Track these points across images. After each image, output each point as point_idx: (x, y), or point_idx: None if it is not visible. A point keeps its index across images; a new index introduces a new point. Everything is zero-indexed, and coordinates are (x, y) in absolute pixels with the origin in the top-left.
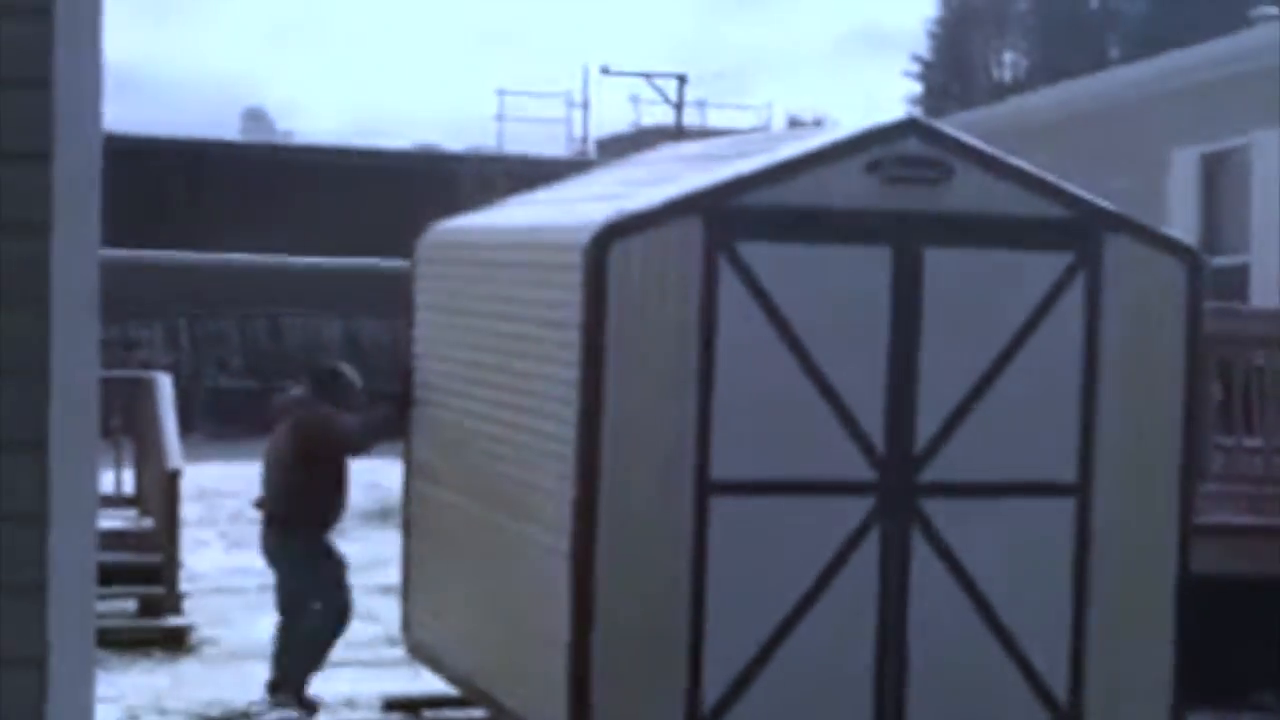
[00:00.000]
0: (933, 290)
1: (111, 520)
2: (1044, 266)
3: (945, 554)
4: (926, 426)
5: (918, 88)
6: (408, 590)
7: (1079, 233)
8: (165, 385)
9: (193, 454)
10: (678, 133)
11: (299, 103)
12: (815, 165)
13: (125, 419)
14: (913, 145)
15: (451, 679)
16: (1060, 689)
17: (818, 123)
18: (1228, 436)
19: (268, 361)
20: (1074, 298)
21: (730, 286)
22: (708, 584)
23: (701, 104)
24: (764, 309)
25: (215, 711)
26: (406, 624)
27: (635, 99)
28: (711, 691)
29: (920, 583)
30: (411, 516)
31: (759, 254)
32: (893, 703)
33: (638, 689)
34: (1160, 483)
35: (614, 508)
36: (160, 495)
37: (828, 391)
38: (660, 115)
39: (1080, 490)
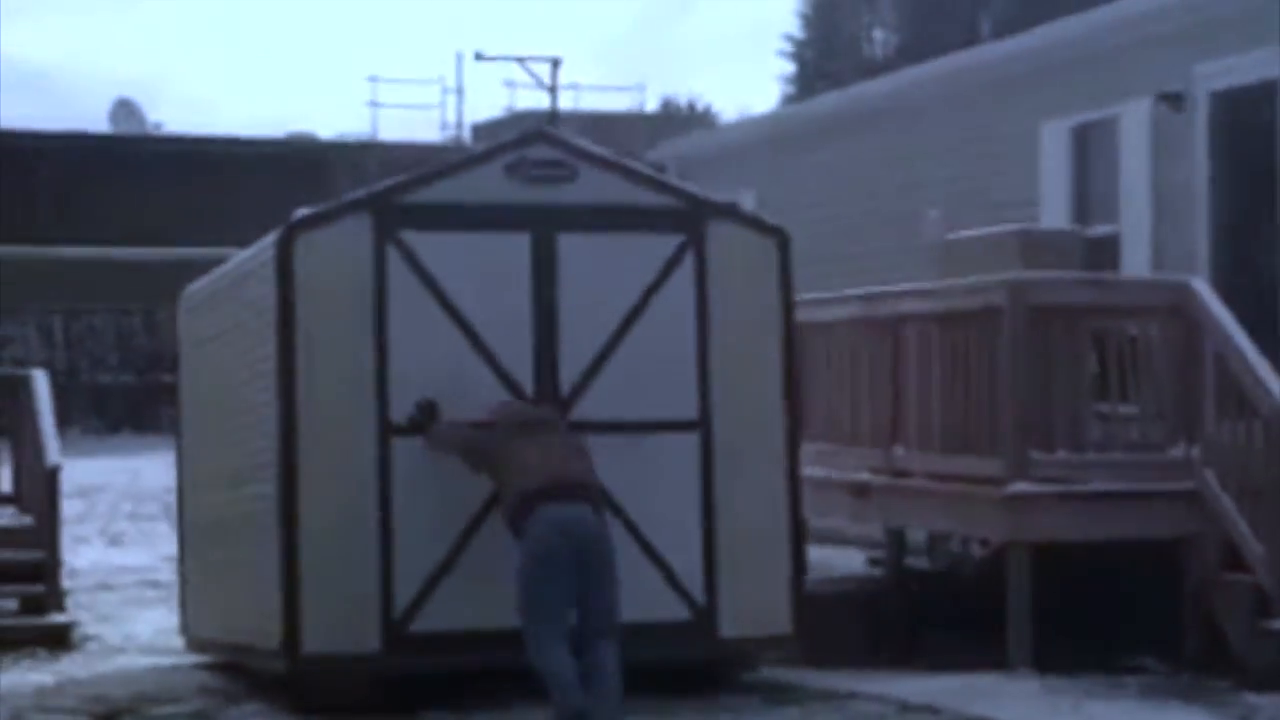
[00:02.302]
0: (567, 268)
1: None
2: (659, 246)
3: None
4: (569, 377)
5: (790, 67)
6: (183, 597)
7: (686, 218)
8: (42, 382)
9: (70, 450)
10: (552, 116)
11: (169, 94)
12: (463, 169)
13: (2, 417)
14: (542, 151)
15: (216, 651)
16: (697, 589)
17: (692, 106)
18: (1104, 404)
19: (143, 357)
20: (686, 271)
21: (397, 269)
22: (393, 512)
23: (576, 87)
24: (428, 287)
25: (100, 708)
26: (184, 626)
27: (510, 83)
28: (401, 598)
29: None
30: (184, 531)
31: (421, 241)
32: None
33: (339, 603)
34: (767, 415)
35: (311, 456)
36: (40, 492)
37: (485, 353)
38: (535, 99)
39: (702, 425)
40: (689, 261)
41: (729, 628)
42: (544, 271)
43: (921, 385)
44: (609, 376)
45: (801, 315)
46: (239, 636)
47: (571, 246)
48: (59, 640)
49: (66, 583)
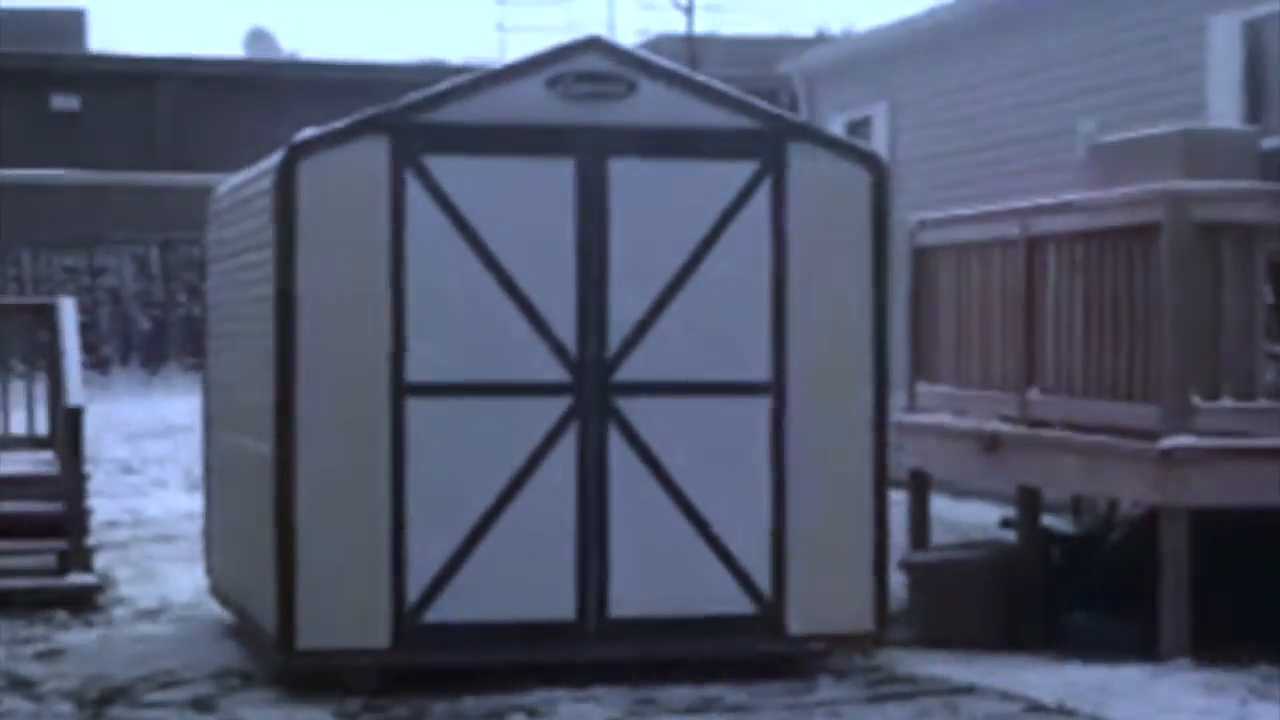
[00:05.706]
0: (620, 199)
1: (20, 465)
2: (730, 175)
3: (642, 451)
4: (618, 330)
5: None
6: (208, 540)
7: (763, 142)
8: (69, 311)
9: (163, 387)
10: (689, 40)
11: (300, 23)
12: (496, 83)
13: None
14: (593, 61)
15: (231, 608)
16: (763, 579)
17: (846, 35)
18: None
19: None
20: (760, 204)
21: (418, 199)
22: (407, 482)
23: (715, 9)
24: (452, 220)
25: (94, 691)
26: (209, 568)
27: (646, 4)
28: (415, 585)
29: (620, 478)
30: (208, 469)
31: (445, 168)
32: (595, 593)
33: (343, 586)
34: (852, 378)
35: (312, 412)
36: (65, 436)
37: (518, 298)
38: (672, 22)
39: (774, 389)
40: (764, 193)
41: (799, 624)
42: (592, 204)
43: (1062, 318)
44: (665, 330)
45: (926, 238)
46: (244, 599)
47: (625, 174)
48: (84, 602)
49: (126, 532)
